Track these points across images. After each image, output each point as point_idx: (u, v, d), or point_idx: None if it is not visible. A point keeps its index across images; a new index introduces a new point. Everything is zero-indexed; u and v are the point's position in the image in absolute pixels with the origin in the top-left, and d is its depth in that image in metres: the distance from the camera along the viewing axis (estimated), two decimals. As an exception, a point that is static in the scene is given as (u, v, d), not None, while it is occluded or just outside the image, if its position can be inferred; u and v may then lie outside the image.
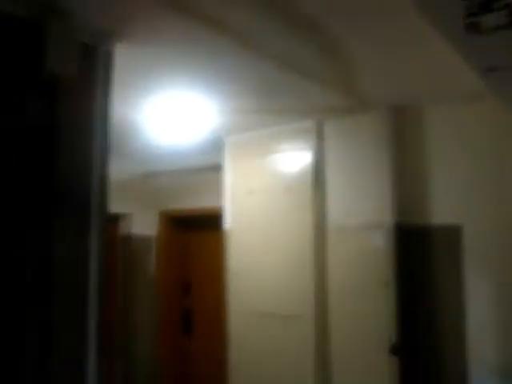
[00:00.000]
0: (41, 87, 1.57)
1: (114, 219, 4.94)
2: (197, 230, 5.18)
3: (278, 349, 3.57)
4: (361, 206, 3.33)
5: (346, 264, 3.36)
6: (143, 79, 2.69)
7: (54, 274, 1.49)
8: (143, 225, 5.21)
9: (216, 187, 4.17)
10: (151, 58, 2.39)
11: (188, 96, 3.02)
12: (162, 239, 5.20)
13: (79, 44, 1.77)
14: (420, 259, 3.21)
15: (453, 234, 3.11)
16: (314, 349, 3.39)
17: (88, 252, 1.58)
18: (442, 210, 3.18)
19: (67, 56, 1.71)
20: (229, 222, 3.97)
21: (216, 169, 4.24)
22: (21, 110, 1.46)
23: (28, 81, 1.53)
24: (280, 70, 2.60)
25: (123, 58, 2.24)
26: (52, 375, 1.45)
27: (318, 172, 3.52)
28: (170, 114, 3.34)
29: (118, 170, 3.23)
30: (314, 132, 3.55)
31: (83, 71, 1.79)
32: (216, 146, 4.08)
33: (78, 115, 1.77)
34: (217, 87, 2.88)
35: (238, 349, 3.80)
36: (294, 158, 3.64)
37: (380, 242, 3.22)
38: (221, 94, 3.01)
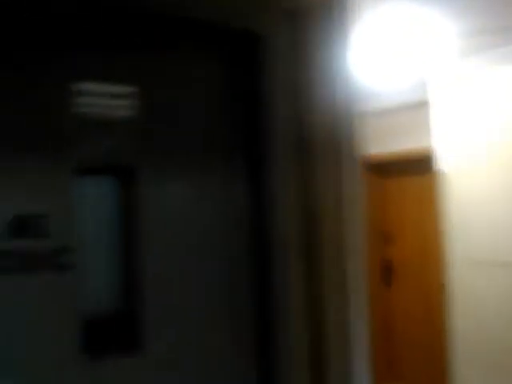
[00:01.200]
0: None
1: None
2: (397, 176, 4.84)
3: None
4: None
5: None
6: None
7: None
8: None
9: (417, 128, 3.79)
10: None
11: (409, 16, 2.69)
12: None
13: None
14: None
15: None
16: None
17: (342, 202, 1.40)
18: None
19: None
20: (444, 163, 3.57)
21: (419, 106, 3.85)
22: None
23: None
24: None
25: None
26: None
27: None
28: (376, 47, 3.03)
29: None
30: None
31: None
32: (420, 81, 3.67)
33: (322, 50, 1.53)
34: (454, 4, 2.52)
35: (461, 300, 3.46)
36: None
37: None
38: (455, 13, 2.65)
